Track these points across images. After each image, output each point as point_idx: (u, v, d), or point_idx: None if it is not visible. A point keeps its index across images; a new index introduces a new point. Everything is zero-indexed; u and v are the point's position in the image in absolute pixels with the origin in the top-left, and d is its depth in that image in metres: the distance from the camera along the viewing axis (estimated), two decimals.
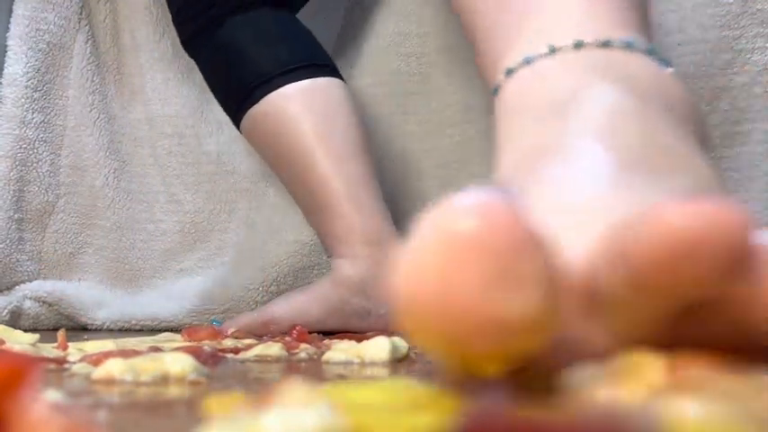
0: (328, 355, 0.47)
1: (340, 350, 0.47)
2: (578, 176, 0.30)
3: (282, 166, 0.83)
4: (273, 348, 0.50)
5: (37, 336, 0.51)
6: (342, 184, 0.80)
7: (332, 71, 0.84)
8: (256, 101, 0.81)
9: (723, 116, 0.88)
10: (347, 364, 0.45)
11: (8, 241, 0.87)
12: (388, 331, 0.78)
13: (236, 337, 0.64)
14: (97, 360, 0.38)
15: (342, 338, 0.63)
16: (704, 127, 0.41)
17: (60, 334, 0.50)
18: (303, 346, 0.53)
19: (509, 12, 0.42)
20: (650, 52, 0.37)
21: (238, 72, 0.82)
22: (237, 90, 0.83)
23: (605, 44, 0.37)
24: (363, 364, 0.44)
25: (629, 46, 0.37)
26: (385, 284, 0.83)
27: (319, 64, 0.83)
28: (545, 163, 0.32)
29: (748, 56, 0.86)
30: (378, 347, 0.45)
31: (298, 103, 0.80)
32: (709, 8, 0.87)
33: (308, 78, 0.81)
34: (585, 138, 0.32)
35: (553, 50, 0.37)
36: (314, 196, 0.80)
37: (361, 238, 0.82)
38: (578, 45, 0.37)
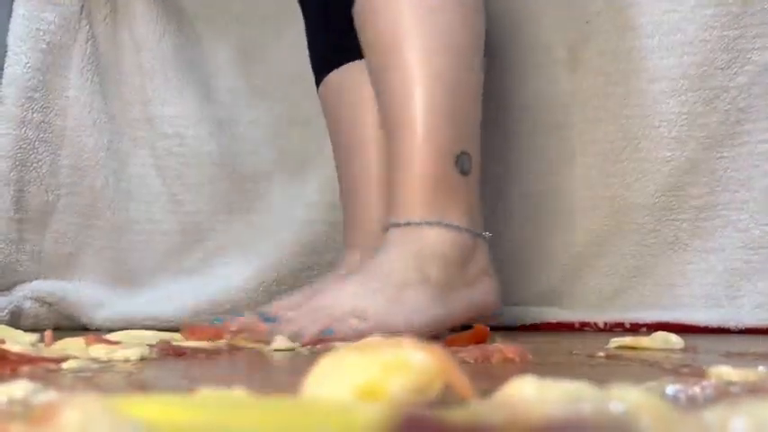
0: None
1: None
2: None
3: (337, 142, 0.83)
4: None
5: (37, 335, 0.51)
6: (365, 174, 0.81)
7: None
8: (336, 66, 0.81)
9: (723, 116, 0.87)
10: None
11: (8, 241, 0.87)
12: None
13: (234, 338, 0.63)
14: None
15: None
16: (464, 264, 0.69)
17: (47, 333, 0.50)
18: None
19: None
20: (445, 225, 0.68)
21: (327, 34, 0.82)
22: (321, 52, 0.83)
23: (414, 223, 0.68)
24: None
25: (428, 223, 0.67)
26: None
27: None
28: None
29: (748, 56, 0.86)
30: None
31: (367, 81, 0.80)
32: (709, 8, 0.86)
33: None
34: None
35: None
36: (350, 178, 0.81)
37: (367, 229, 0.82)
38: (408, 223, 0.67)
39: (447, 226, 0.68)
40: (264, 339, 0.59)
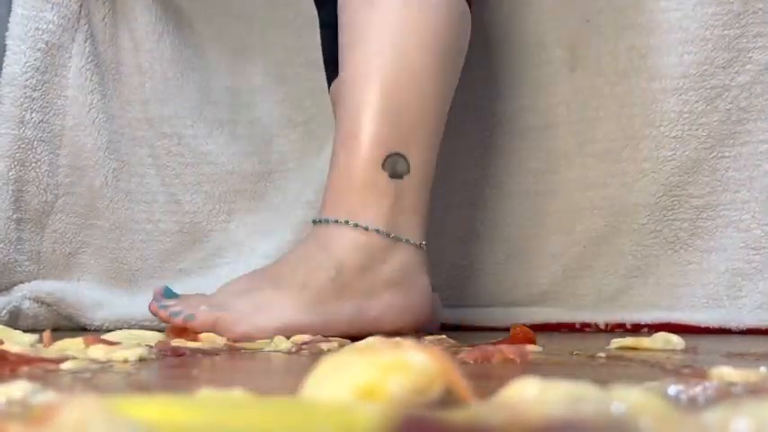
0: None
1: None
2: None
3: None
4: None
5: (36, 336, 0.51)
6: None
7: None
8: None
9: (724, 115, 0.87)
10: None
11: (7, 241, 0.87)
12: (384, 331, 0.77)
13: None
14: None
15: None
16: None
17: (46, 334, 0.50)
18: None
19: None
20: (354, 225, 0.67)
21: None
22: (332, 51, 0.83)
23: (323, 221, 0.69)
24: None
25: (335, 222, 0.67)
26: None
27: None
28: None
29: (749, 55, 0.86)
30: None
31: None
32: (710, 7, 0.86)
33: None
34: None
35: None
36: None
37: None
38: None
39: (355, 227, 0.67)
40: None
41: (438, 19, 0.70)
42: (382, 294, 0.67)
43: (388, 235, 0.67)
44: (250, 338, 0.60)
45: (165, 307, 0.65)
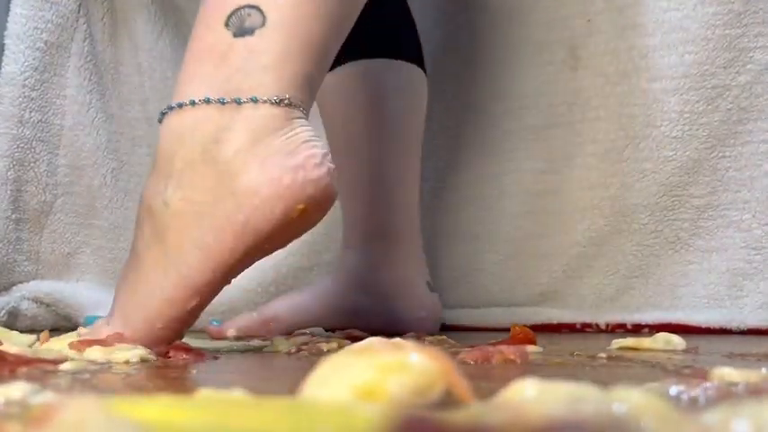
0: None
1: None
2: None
3: (334, 143, 0.81)
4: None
5: (34, 337, 0.51)
6: (373, 173, 0.80)
7: (417, 60, 0.84)
8: (332, 68, 0.80)
9: (725, 115, 0.87)
10: None
11: (5, 241, 0.87)
12: (387, 332, 0.77)
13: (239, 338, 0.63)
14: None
15: (349, 337, 0.63)
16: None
17: (44, 334, 0.50)
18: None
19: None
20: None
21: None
22: None
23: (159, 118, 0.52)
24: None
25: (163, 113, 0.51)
26: (385, 281, 0.83)
27: (409, 54, 0.83)
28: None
29: (750, 54, 0.86)
30: None
31: (365, 83, 0.79)
32: (711, 7, 0.86)
33: (386, 58, 0.81)
34: None
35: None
36: (347, 179, 0.79)
37: (364, 230, 0.82)
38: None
39: (191, 104, 0.50)
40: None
41: None
42: (242, 177, 0.47)
43: (221, 102, 0.49)
44: (186, 348, 0.48)
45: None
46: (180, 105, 0.50)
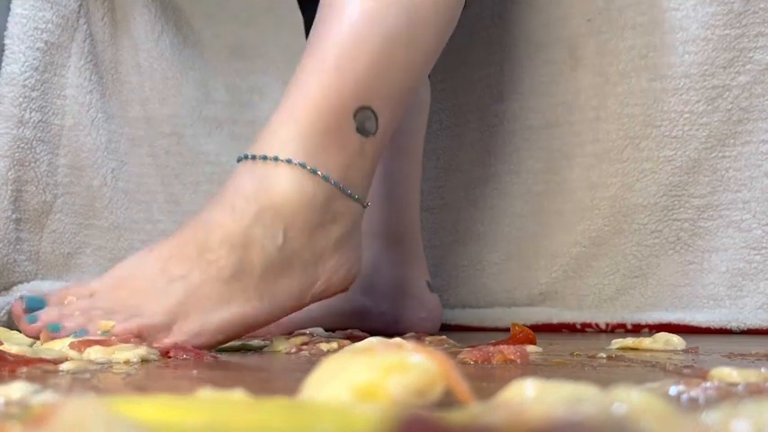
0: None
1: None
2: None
3: None
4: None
5: None
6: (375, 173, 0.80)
7: None
8: None
9: (725, 115, 0.87)
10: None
11: (6, 241, 0.87)
12: (387, 332, 0.77)
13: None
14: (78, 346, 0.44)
15: (349, 337, 0.63)
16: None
17: (44, 334, 0.50)
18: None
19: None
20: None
21: None
22: None
23: (267, 157, 0.55)
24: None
25: (286, 161, 0.54)
26: (385, 281, 0.83)
27: None
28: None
29: (750, 54, 0.86)
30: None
31: None
32: (711, 6, 0.86)
33: None
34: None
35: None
36: None
37: (364, 230, 0.82)
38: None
39: (312, 173, 0.54)
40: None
41: None
42: (329, 260, 0.57)
43: (344, 191, 0.56)
44: (187, 348, 0.48)
45: (34, 320, 0.51)
46: (313, 171, 0.55)
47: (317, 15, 0.61)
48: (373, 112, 0.58)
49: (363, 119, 0.57)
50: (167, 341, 0.50)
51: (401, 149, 0.83)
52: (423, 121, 0.86)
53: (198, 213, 0.56)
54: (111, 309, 0.51)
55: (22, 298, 0.52)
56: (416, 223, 0.85)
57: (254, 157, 0.55)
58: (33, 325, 0.51)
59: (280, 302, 0.54)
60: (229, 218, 0.53)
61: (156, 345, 0.49)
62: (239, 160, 0.56)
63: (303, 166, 0.54)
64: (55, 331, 0.49)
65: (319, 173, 0.55)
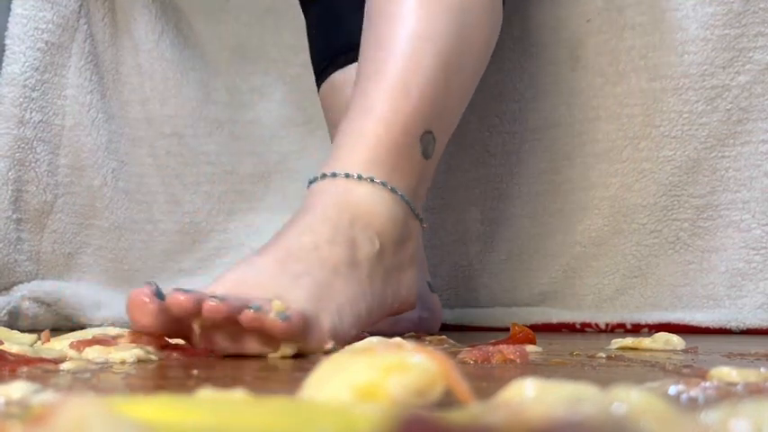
0: None
1: None
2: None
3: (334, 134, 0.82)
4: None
5: (35, 336, 0.51)
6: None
7: None
8: (340, 66, 0.80)
9: (724, 115, 0.87)
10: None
11: (6, 241, 0.87)
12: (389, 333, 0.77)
13: None
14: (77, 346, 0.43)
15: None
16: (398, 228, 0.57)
17: (45, 333, 0.50)
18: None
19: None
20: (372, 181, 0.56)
21: (332, 34, 0.82)
22: (325, 51, 0.83)
23: (348, 175, 0.56)
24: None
25: (367, 179, 0.56)
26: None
27: None
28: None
29: (750, 54, 0.86)
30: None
31: None
32: (710, 6, 0.86)
33: None
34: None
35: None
36: None
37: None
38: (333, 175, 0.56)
39: (392, 191, 0.57)
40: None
41: (491, 19, 0.67)
42: (407, 271, 0.59)
43: (414, 210, 0.59)
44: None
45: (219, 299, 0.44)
46: (392, 189, 0.57)
47: (369, 21, 0.63)
48: (434, 136, 0.60)
49: (427, 142, 0.60)
50: (328, 343, 0.48)
51: None
52: None
53: (279, 233, 0.54)
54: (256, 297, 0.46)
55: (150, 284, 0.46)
56: None
57: (334, 175, 0.56)
58: (217, 303, 0.44)
59: (381, 304, 0.55)
60: (325, 223, 0.53)
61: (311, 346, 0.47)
62: (312, 182, 0.57)
63: (384, 184, 0.56)
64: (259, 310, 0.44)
65: (398, 192, 0.57)
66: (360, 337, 0.46)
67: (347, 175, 0.55)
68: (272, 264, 0.50)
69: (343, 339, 0.50)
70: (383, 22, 0.62)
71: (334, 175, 0.56)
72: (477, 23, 0.65)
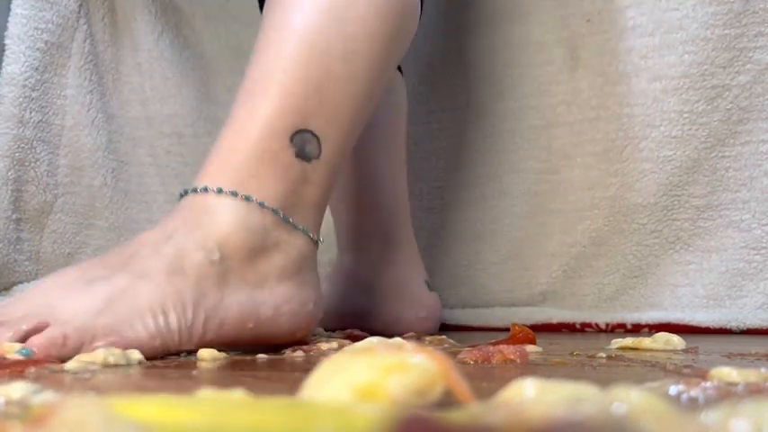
0: None
1: None
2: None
3: None
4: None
5: None
6: (362, 176, 0.80)
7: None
8: None
9: (724, 115, 0.87)
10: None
11: (6, 241, 0.87)
12: (387, 332, 0.77)
13: None
14: None
15: (349, 337, 0.63)
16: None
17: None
18: None
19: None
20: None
21: None
22: None
23: (207, 189, 0.54)
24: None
25: (223, 192, 0.53)
26: (384, 281, 0.83)
27: None
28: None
29: (750, 54, 0.86)
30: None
31: None
32: (710, 6, 0.86)
33: None
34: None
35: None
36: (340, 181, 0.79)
37: (356, 232, 0.82)
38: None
39: (246, 200, 0.53)
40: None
41: (385, 6, 0.59)
42: (275, 287, 0.54)
43: (286, 219, 0.55)
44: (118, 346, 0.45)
45: None
46: (246, 198, 0.53)
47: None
48: (314, 134, 0.55)
49: (302, 143, 0.55)
50: (98, 344, 0.45)
51: (382, 152, 0.82)
52: (401, 122, 0.85)
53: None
54: (17, 317, 0.45)
55: None
56: (408, 224, 0.85)
57: (194, 190, 0.54)
58: None
59: (214, 317, 0.50)
60: (156, 234, 0.52)
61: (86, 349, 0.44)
62: (179, 198, 0.55)
63: (234, 194, 0.53)
64: None
65: (254, 199, 0.53)
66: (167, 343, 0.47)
67: (202, 190, 0.54)
68: (74, 272, 0.49)
69: (136, 347, 0.47)
70: (263, 23, 0.59)
71: (194, 190, 0.54)
72: (366, 3, 0.58)
